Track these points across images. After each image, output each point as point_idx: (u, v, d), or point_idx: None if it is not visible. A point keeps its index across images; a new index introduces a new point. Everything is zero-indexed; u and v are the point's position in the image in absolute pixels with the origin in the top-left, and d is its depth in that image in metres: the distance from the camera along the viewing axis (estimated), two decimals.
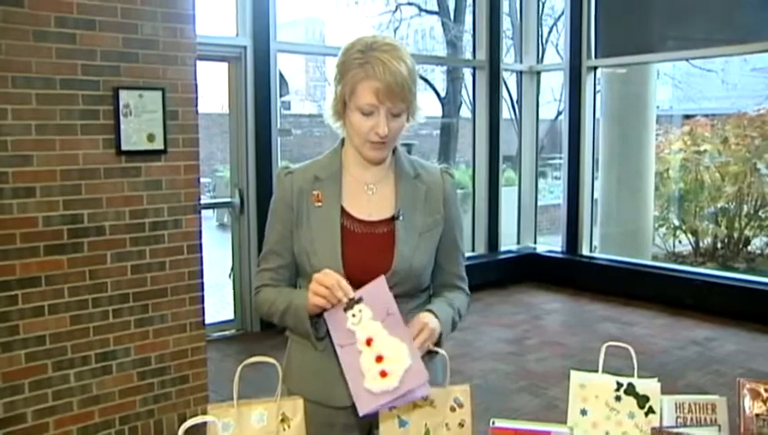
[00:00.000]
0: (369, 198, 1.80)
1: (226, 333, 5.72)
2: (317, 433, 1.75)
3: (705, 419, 1.66)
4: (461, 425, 1.68)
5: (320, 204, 1.77)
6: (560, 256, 7.89)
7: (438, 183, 1.86)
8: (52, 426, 3.39)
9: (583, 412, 1.72)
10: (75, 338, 3.44)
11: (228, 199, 6.08)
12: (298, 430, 1.63)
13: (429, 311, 1.75)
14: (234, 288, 5.93)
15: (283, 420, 1.63)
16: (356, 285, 1.66)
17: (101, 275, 3.51)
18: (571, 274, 7.63)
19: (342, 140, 1.85)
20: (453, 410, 1.69)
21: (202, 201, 4.25)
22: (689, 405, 1.70)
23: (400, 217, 1.77)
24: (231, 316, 5.92)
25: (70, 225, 3.40)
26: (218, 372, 4.37)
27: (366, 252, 1.76)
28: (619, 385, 1.72)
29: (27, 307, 3.30)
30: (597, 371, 1.75)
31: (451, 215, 1.87)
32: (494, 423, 1.68)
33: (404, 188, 1.81)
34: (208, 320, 4.14)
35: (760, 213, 8.75)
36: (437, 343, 1.75)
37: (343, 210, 1.78)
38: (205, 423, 1.46)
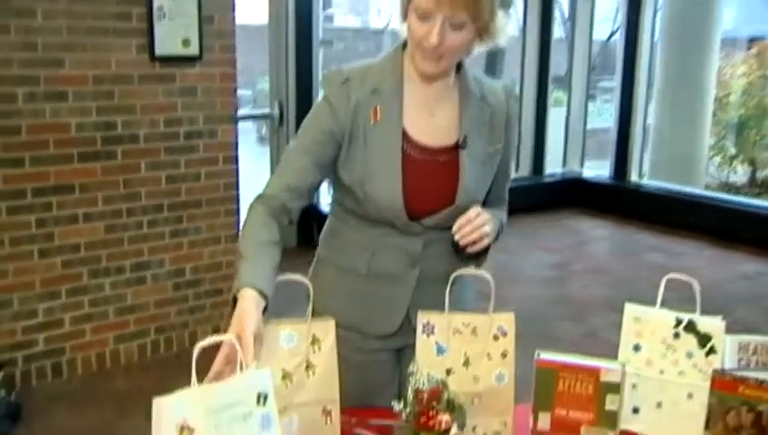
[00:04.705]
0: (432, 120, 1.60)
1: None
2: (346, 357, 1.64)
3: None
4: (503, 355, 1.55)
5: (379, 122, 1.56)
6: (607, 181, 7.61)
7: (502, 106, 1.66)
8: (88, 332, 3.41)
9: (636, 348, 1.58)
10: (110, 247, 3.41)
11: (267, 111, 5.95)
12: (329, 353, 1.53)
13: None
14: None
15: (313, 342, 1.52)
16: (414, 217, 1.54)
17: (136, 184, 3.44)
18: (617, 200, 7.36)
19: (404, 44, 1.60)
20: (496, 338, 1.56)
21: (241, 113, 4.12)
22: (755, 346, 1.54)
23: (465, 145, 1.60)
24: None
25: (103, 132, 3.31)
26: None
27: (427, 182, 1.58)
28: (679, 322, 1.56)
29: (62, 214, 3.26)
30: (649, 305, 1.60)
31: (510, 141, 1.69)
32: (539, 355, 1.55)
33: (469, 111, 1.61)
34: None
35: None
36: (483, 255, 1.61)
37: (404, 133, 1.57)
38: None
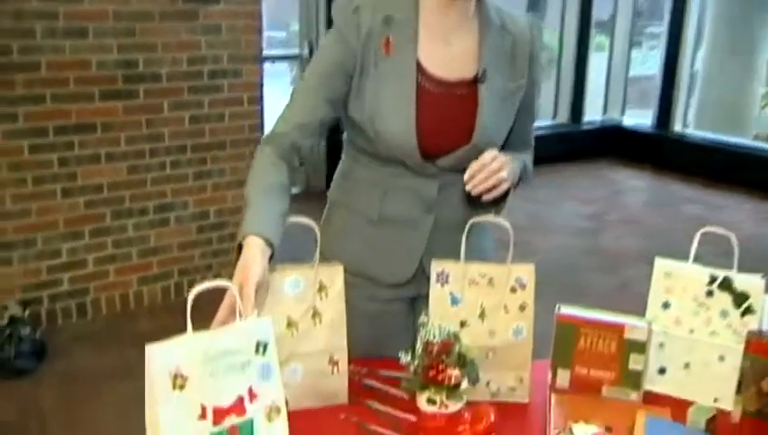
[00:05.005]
0: (449, 50, 1.48)
1: (293, 190, 5.60)
2: (357, 306, 1.57)
3: None
4: (522, 308, 1.46)
5: (391, 53, 1.46)
6: (648, 130, 7.35)
7: (526, 38, 1.53)
8: (112, 273, 3.42)
9: (666, 305, 1.47)
10: (133, 188, 3.38)
11: (297, 52, 5.82)
12: (336, 301, 1.45)
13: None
14: None
15: (320, 289, 1.45)
16: (428, 157, 1.44)
17: (158, 124, 3.38)
18: (658, 150, 7.11)
19: None
20: (514, 290, 1.46)
21: (270, 54, 4.00)
22: None
23: (484, 79, 1.48)
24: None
25: (124, 69, 3.24)
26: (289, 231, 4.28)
27: (443, 118, 1.47)
28: (713, 278, 1.45)
29: (84, 154, 3.23)
30: (685, 259, 1.48)
31: (534, 77, 1.57)
32: (560, 309, 1.46)
33: (489, 42, 1.49)
34: None
35: None
36: (502, 201, 1.50)
37: (418, 64, 1.46)
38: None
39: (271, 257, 1.33)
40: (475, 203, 1.50)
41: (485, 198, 1.43)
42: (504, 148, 1.57)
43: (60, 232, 3.25)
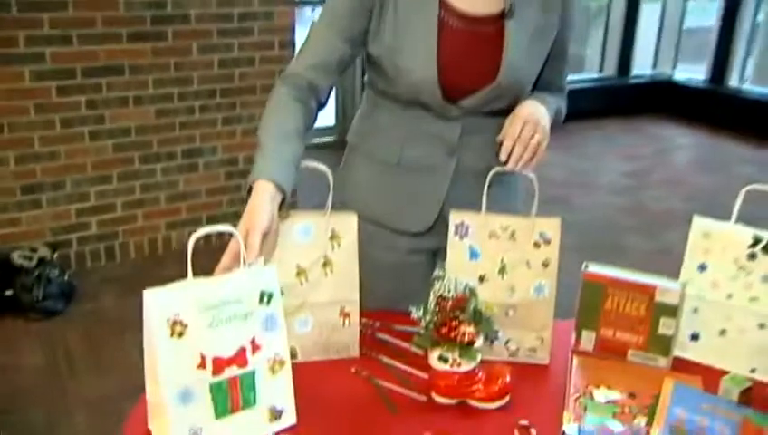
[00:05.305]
0: None
1: (325, 139, 5.51)
2: (375, 257, 1.50)
3: None
4: (545, 265, 1.36)
5: None
6: (701, 85, 7.03)
7: None
8: (140, 217, 3.41)
9: (702, 268, 1.36)
10: (161, 132, 3.34)
11: None
12: (349, 251, 1.38)
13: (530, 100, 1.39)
14: (336, 94, 5.66)
15: (332, 238, 1.38)
16: (450, 98, 1.36)
17: (187, 67, 3.31)
18: (711, 106, 6.80)
19: None
20: (537, 246, 1.37)
21: None
22: None
23: (512, 14, 1.36)
24: (332, 122, 5.72)
25: (153, 11, 3.17)
26: (311, 180, 4.24)
27: (466, 55, 1.38)
28: (757, 240, 1.33)
29: (112, 96, 3.19)
30: (728, 219, 1.36)
31: (568, 15, 1.44)
32: (587, 267, 1.37)
33: None
34: None
35: None
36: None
37: None
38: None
39: (282, 203, 1.26)
40: (494, 143, 1.40)
41: (530, 167, 1.34)
42: (534, 91, 1.47)
43: (88, 175, 3.24)
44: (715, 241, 1.35)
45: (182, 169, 3.43)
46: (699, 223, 1.37)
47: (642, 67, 7.41)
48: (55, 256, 3.14)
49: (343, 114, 5.70)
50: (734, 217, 1.35)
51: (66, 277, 3.10)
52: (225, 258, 1.18)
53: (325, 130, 5.65)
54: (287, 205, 1.30)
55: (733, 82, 6.88)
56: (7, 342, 2.86)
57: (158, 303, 1.09)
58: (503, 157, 1.32)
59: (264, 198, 1.21)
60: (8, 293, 2.99)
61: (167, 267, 3.38)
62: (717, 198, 4.67)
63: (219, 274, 1.18)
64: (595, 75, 7.20)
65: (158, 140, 3.34)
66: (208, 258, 1.18)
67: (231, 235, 1.17)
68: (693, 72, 7.33)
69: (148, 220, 3.42)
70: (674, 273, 1.39)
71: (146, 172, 3.36)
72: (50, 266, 3.05)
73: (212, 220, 3.58)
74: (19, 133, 3.05)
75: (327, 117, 5.75)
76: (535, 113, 1.34)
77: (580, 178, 5.11)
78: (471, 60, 1.37)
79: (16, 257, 3.02)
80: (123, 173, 3.31)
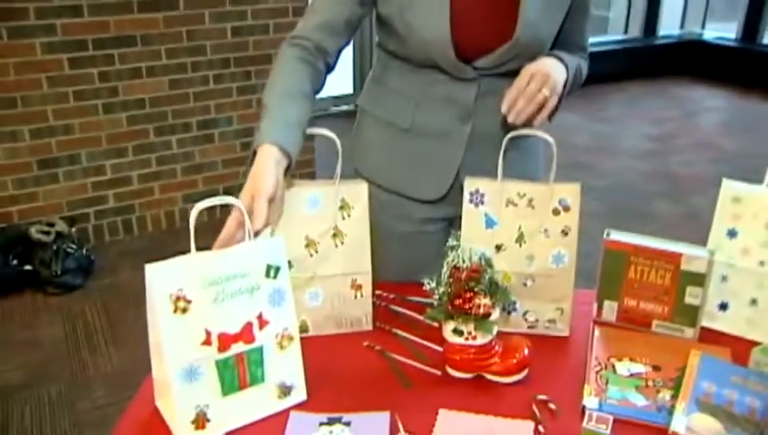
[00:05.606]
0: None
1: (343, 107, 5.44)
2: (387, 226, 1.45)
3: None
4: (564, 233, 1.30)
5: None
6: (732, 44, 6.80)
7: None
8: (157, 190, 3.39)
9: (732, 234, 1.29)
10: (175, 103, 3.29)
11: None
12: (360, 221, 1.33)
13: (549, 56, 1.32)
14: (353, 61, 5.57)
15: (342, 208, 1.33)
16: (464, 58, 1.28)
17: (200, 36, 3.25)
18: (742, 66, 6.58)
19: None
20: (556, 213, 1.31)
21: None
22: None
23: None
24: (350, 90, 5.64)
25: None
26: (329, 148, 4.18)
27: (481, 11, 1.31)
28: None
29: (125, 68, 3.15)
30: (760, 183, 1.28)
31: None
32: (608, 234, 1.30)
33: None
34: (325, 93, 3.85)
35: None
36: (557, 104, 1.34)
37: None
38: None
39: (288, 169, 1.21)
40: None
41: (535, 123, 1.27)
42: (554, 49, 1.39)
43: (103, 148, 3.22)
44: (745, 206, 1.28)
45: (197, 140, 3.40)
46: (729, 187, 1.29)
47: (670, 27, 7.19)
48: (73, 230, 3.14)
49: (361, 82, 5.61)
50: (766, 179, 1.27)
51: (84, 251, 3.10)
52: (228, 226, 1.13)
53: (342, 99, 5.57)
54: (292, 171, 1.25)
55: (766, 40, 6.64)
56: (27, 316, 2.88)
57: (161, 278, 1.05)
58: (504, 109, 1.25)
59: (268, 162, 1.16)
60: (27, 268, 3.00)
61: (184, 240, 3.33)
62: (748, 161, 4.53)
63: (223, 241, 1.13)
64: (620, 37, 7.01)
65: (173, 111, 3.30)
66: (216, 232, 1.14)
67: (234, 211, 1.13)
68: (723, 31, 7.10)
69: (165, 193, 3.40)
70: (702, 239, 1.32)
71: (161, 144, 3.33)
72: (68, 241, 3.05)
73: (229, 192, 3.54)
74: (33, 107, 3.03)
75: (345, 85, 5.67)
76: (546, 67, 1.27)
77: (604, 142, 4.99)
78: (486, 16, 1.29)
79: (34, 232, 3.02)
80: (138, 146, 3.28)
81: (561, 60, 1.32)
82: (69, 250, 3.00)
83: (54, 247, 2.98)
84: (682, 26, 7.32)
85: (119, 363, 2.61)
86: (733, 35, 6.90)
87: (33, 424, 2.32)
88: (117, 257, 3.26)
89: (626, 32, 7.02)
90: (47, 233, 3.03)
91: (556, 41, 1.39)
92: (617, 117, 5.54)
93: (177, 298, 1.06)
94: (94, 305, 2.94)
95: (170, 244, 3.34)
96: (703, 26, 7.29)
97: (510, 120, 1.26)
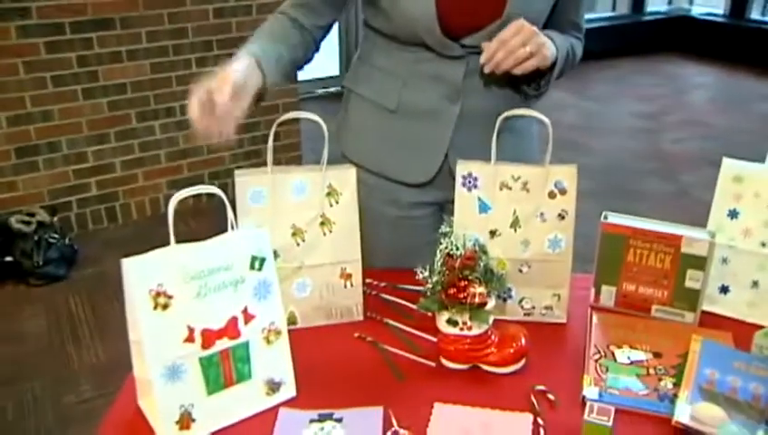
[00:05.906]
0: None
1: (331, 89, 5.37)
2: (376, 211, 1.40)
3: None
4: (561, 217, 1.26)
5: None
6: (720, 20, 6.76)
7: None
8: (141, 177, 3.32)
9: (733, 214, 1.25)
10: (157, 88, 3.22)
11: None
12: (348, 207, 1.28)
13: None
14: (339, 42, 5.48)
15: (330, 194, 1.28)
16: (452, 35, 1.24)
17: (181, 18, 3.17)
18: (731, 42, 6.55)
19: None
20: (552, 196, 1.26)
21: None
22: None
23: None
24: (336, 71, 5.56)
25: None
26: (317, 131, 4.12)
27: None
28: None
29: (104, 52, 3.07)
30: (753, 160, 1.25)
31: None
32: (606, 217, 1.26)
33: None
34: (312, 75, 3.79)
35: None
36: (542, 86, 1.30)
37: None
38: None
39: (261, 98, 1.21)
40: (502, 84, 1.28)
41: (515, 72, 1.20)
42: (547, 28, 1.33)
43: (84, 135, 3.14)
44: (746, 186, 1.24)
45: (182, 125, 3.32)
46: (729, 166, 1.25)
47: (657, 3, 7.14)
48: (55, 219, 3.07)
49: (347, 63, 5.53)
50: None
51: (67, 241, 3.03)
52: (192, 107, 1.11)
53: (329, 80, 5.49)
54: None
55: (755, 14, 6.61)
56: (9, 309, 2.81)
57: (139, 273, 1.00)
58: (482, 58, 1.20)
59: (242, 61, 1.15)
60: (8, 259, 2.93)
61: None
62: (737, 137, 4.51)
63: (195, 120, 1.11)
64: (608, 14, 6.95)
65: (155, 95, 3.22)
66: (202, 218, 1.09)
67: (220, 197, 1.08)
68: (711, 6, 7.05)
69: (149, 180, 3.33)
70: (693, 217, 1.29)
71: (144, 130, 3.25)
72: (50, 230, 2.98)
73: (214, 178, 3.48)
74: (9, 93, 2.95)
75: (331, 66, 5.59)
76: (543, 32, 1.22)
77: (594, 120, 4.95)
78: None
79: (14, 222, 2.94)
80: (121, 132, 3.20)
81: (551, 39, 1.26)
82: (51, 240, 2.93)
83: (36, 238, 2.91)
84: (670, 2, 7.28)
85: (104, 355, 2.55)
86: (721, 11, 6.85)
87: (16, 421, 2.27)
88: (101, 247, 3.20)
89: (614, 9, 6.96)
90: (28, 223, 2.96)
91: (549, 19, 1.34)
92: (606, 95, 5.49)
93: (158, 294, 1.01)
94: (78, 296, 2.88)
95: (156, 231, 3.24)
96: (691, 2, 7.24)
97: (486, 71, 1.21)
